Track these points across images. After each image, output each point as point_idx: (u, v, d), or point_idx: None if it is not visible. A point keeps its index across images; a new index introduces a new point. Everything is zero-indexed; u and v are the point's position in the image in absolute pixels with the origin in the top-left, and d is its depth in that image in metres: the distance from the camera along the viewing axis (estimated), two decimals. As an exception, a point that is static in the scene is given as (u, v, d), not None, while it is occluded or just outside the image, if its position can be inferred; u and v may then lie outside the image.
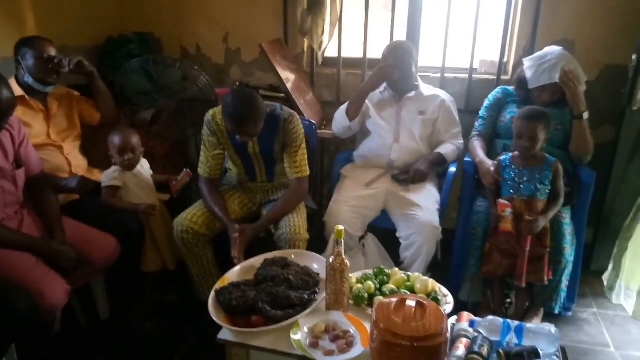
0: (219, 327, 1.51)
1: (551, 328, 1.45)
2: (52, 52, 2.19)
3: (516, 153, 2.09)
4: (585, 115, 2.17)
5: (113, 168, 2.21)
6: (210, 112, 2.14)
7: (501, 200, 2.02)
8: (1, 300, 1.59)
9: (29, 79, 2.16)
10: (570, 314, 2.34)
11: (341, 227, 1.53)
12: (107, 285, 2.30)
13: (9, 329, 1.61)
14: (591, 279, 2.64)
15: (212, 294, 1.62)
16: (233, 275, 1.76)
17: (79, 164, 2.34)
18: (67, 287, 1.83)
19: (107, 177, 2.20)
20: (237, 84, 3.03)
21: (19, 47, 2.16)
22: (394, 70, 2.38)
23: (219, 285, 1.66)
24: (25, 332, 1.71)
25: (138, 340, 2.19)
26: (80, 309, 2.24)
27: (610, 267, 2.55)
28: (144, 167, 2.30)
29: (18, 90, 2.14)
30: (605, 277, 2.57)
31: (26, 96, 2.17)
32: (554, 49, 2.24)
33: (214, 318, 1.51)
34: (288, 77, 2.70)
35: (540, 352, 1.35)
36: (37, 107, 2.21)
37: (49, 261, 1.85)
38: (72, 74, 2.26)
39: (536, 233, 2.00)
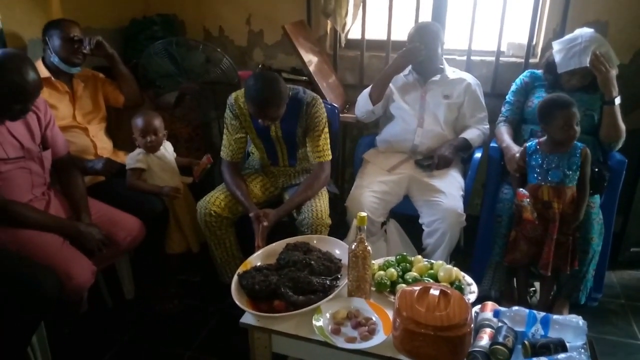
0: (242, 310, 1.52)
1: (579, 320, 1.41)
2: (78, 32, 2.22)
3: (543, 139, 2.03)
4: (617, 100, 2.09)
5: (137, 150, 2.23)
6: (233, 95, 2.14)
7: (520, 190, 1.98)
8: (29, 280, 1.62)
9: (54, 59, 2.18)
10: (596, 304, 2.29)
11: (364, 214, 1.52)
12: (133, 266, 2.35)
13: (38, 308, 1.64)
14: (620, 268, 2.58)
15: (235, 278, 1.63)
16: (255, 259, 1.76)
17: (105, 146, 2.37)
18: (93, 268, 1.87)
19: (132, 159, 2.22)
20: (260, 66, 3.02)
21: (47, 29, 2.20)
22: (420, 52, 2.33)
23: (241, 269, 1.67)
24: (53, 312, 1.75)
25: (162, 321, 2.23)
26: (107, 289, 2.30)
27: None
28: (167, 149, 2.31)
29: (44, 72, 2.17)
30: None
31: (52, 78, 2.19)
32: (585, 31, 2.15)
33: (237, 302, 1.52)
34: (311, 59, 2.66)
35: (567, 345, 1.32)
36: (62, 89, 2.23)
37: (75, 242, 1.89)
38: (93, 54, 2.28)
39: (563, 220, 1.95)
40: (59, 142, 2.02)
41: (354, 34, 2.94)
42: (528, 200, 1.94)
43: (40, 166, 1.93)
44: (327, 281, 1.59)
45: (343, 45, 2.93)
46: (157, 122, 2.21)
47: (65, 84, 2.24)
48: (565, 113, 1.92)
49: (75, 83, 2.29)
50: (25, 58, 1.74)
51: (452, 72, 2.48)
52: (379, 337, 1.38)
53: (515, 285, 2.24)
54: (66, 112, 2.24)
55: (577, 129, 1.93)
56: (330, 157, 2.19)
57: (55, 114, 2.09)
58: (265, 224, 1.95)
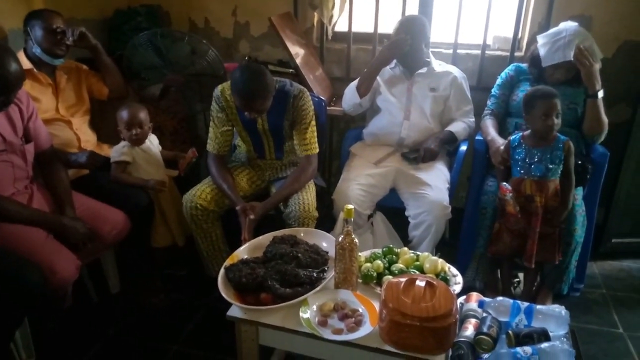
0: (229, 303, 1.52)
1: (561, 310, 1.44)
2: (60, 23, 2.17)
3: (527, 132, 2.05)
4: (600, 93, 2.12)
5: (122, 143, 2.21)
6: (219, 87, 2.12)
7: (503, 185, 2.00)
8: (13, 275, 1.60)
9: (37, 50, 2.14)
10: (578, 294, 2.34)
11: (351, 207, 1.52)
12: (118, 260, 2.33)
13: (21, 303, 1.62)
14: (601, 259, 2.62)
15: (222, 271, 1.62)
16: (242, 252, 1.76)
17: (88, 139, 2.33)
18: (78, 262, 1.84)
19: (116, 152, 2.20)
20: (246, 58, 2.99)
21: (28, 19, 2.15)
22: (406, 44, 2.33)
23: (228, 262, 1.66)
24: (36, 307, 1.73)
25: (148, 315, 2.21)
26: (91, 284, 2.27)
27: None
28: (152, 142, 2.29)
29: (27, 64, 2.13)
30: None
31: (34, 70, 2.15)
32: (569, 25, 2.17)
33: (224, 295, 1.52)
34: (297, 52, 2.65)
35: (550, 334, 1.35)
36: (45, 81, 2.19)
37: (59, 236, 1.86)
38: (76, 46, 2.24)
39: (546, 213, 1.98)
40: (41, 135, 1.98)
41: (341, 26, 2.93)
42: (511, 194, 1.97)
43: (23, 159, 1.89)
44: (314, 273, 1.59)
45: (330, 37, 2.92)
46: (143, 115, 2.19)
47: (48, 76, 2.20)
48: (545, 103, 1.94)
49: (58, 75, 2.26)
50: (7, 49, 1.70)
51: (438, 65, 2.48)
52: (366, 329, 1.39)
53: (499, 276, 2.27)
54: (49, 104, 2.20)
55: (557, 121, 1.95)
56: (317, 150, 2.19)
57: (38, 107, 2.06)
58: (251, 217, 1.94)
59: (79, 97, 2.33)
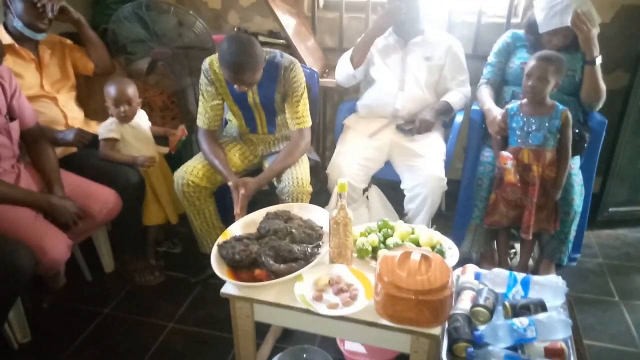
0: (223, 280, 1.50)
1: (558, 280, 1.43)
2: None
3: (524, 101, 2.01)
4: (598, 60, 2.07)
5: (110, 120, 2.16)
6: (207, 60, 2.06)
7: (503, 153, 1.97)
8: (3, 256, 1.58)
9: (18, 24, 2.06)
10: (575, 264, 2.34)
11: (344, 181, 1.49)
12: (111, 238, 2.30)
13: (13, 284, 1.60)
14: (598, 228, 2.62)
15: (215, 248, 1.60)
16: (236, 229, 1.73)
17: (75, 116, 2.28)
18: (69, 242, 1.83)
19: (104, 129, 2.15)
20: (235, 29, 2.91)
21: None
22: (400, 11, 2.26)
23: (221, 239, 1.64)
24: (30, 287, 1.71)
25: (143, 292, 2.21)
26: (85, 263, 2.26)
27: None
28: (142, 118, 2.24)
29: (7, 39, 2.06)
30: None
31: (16, 45, 2.09)
32: None
33: (217, 272, 1.50)
34: (288, 22, 2.58)
35: (547, 305, 1.33)
36: (28, 56, 2.13)
37: (48, 216, 1.84)
38: (58, 20, 2.17)
39: (544, 184, 1.96)
40: (26, 112, 1.93)
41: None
42: (512, 162, 1.94)
43: (8, 138, 1.85)
44: (309, 249, 1.57)
45: (321, 6, 2.84)
46: (131, 91, 2.13)
47: (30, 52, 2.14)
48: (533, 63, 1.92)
49: (42, 50, 2.18)
50: (-18, 23, 1.64)
51: (433, 34, 2.42)
52: (361, 303, 1.38)
53: (495, 247, 2.26)
54: (33, 81, 2.14)
55: (541, 85, 1.91)
56: (310, 123, 2.14)
57: (22, 83, 2.00)
58: (243, 192, 1.91)
59: (63, 72, 2.27)
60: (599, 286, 2.22)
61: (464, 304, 1.37)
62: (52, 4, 2.10)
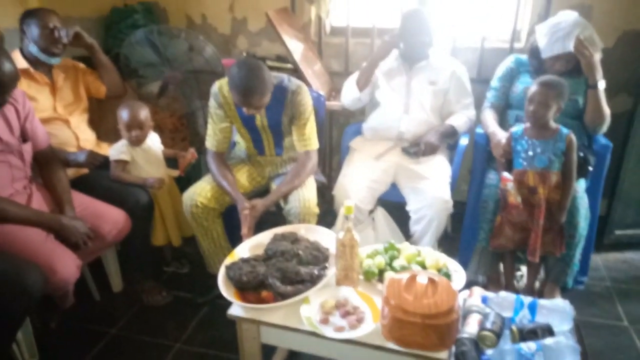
0: (230, 301, 1.51)
1: (566, 304, 1.43)
2: (56, 22, 2.15)
3: (529, 124, 2.03)
4: (601, 84, 2.09)
5: (121, 142, 2.20)
6: (217, 83, 2.10)
7: (504, 174, 1.99)
8: (13, 275, 1.59)
9: (33, 49, 2.12)
10: (582, 287, 2.32)
11: (351, 203, 1.51)
12: (119, 258, 2.32)
13: (22, 304, 1.61)
14: (605, 251, 2.61)
15: (222, 269, 1.61)
16: (243, 250, 1.75)
17: (87, 138, 2.32)
18: (78, 262, 1.84)
19: (115, 150, 2.18)
20: (244, 54, 2.97)
21: (24, 18, 2.13)
22: (403, 37, 2.30)
23: (228, 260, 1.66)
24: (38, 306, 1.72)
25: (151, 313, 2.21)
26: (93, 282, 2.27)
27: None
28: (153, 141, 2.28)
29: (23, 63, 2.12)
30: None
31: (31, 69, 2.14)
32: (568, 15, 2.13)
33: (224, 294, 1.51)
34: (295, 47, 2.63)
35: (554, 329, 1.33)
36: (42, 80, 2.18)
37: (59, 236, 1.86)
38: (72, 46, 2.23)
39: (549, 206, 1.96)
40: (39, 134, 1.97)
41: (339, 21, 2.90)
42: (512, 184, 1.95)
43: (21, 159, 1.88)
44: (315, 271, 1.58)
45: (328, 32, 2.90)
46: (143, 115, 2.17)
47: (44, 75, 2.19)
48: (537, 89, 1.95)
49: (55, 74, 2.24)
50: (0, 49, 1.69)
51: (438, 58, 2.46)
52: (368, 326, 1.38)
53: (502, 270, 2.25)
54: (46, 103, 2.19)
55: (542, 110, 1.93)
56: (317, 145, 2.17)
57: (35, 106, 2.05)
58: (245, 212, 1.93)
59: (76, 95, 2.32)
60: (608, 310, 2.20)
61: (470, 328, 1.37)
62: (66, 30, 2.17)
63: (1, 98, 1.70)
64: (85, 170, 2.22)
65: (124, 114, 2.14)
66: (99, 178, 2.19)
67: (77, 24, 2.27)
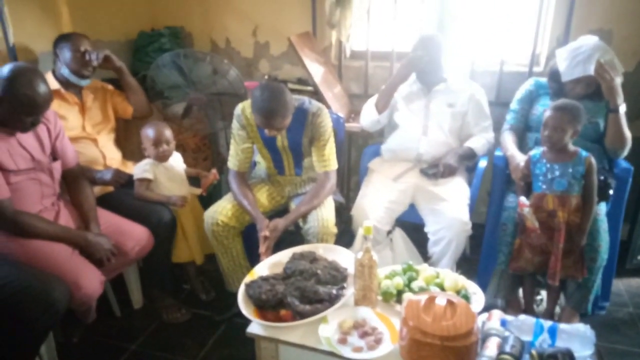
0: (249, 319, 1.53)
1: (586, 329, 1.41)
2: (87, 46, 2.25)
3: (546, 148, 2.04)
4: (622, 108, 2.09)
5: (145, 161, 2.26)
6: (240, 105, 2.16)
7: (520, 199, 1.99)
8: (39, 290, 1.63)
9: (65, 71, 2.21)
10: (604, 312, 2.28)
11: (369, 224, 1.52)
12: (141, 275, 2.36)
13: (47, 318, 1.65)
14: (627, 276, 2.56)
15: (242, 287, 1.64)
16: (262, 268, 1.77)
17: (113, 157, 2.39)
18: (102, 278, 1.88)
19: (139, 169, 2.24)
20: (266, 77, 3.04)
21: (57, 42, 2.23)
22: (422, 60, 2.34)
23: (248, 278, 1.68)
24: (61, 321, 1.76)
25: (169, 330, 2.24)
26: (115, 298, 2.31)
27: None
28: (176, 160, 2.34)
29: (54, 84, 2.20)
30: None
31: (62, 90, 2.23)
32: (588, 39, 2.15)
33: (244, 312, 1.53)
34: (316, 70, 2.69)
35: (575, 355, 1.32)
36: (72, 100, 2.26)
37: (84, 252, 1.91)
38: (101, 68, 2.32)
39: (569, 230, 1.95)
40: (68, 153, 2.04)
41: (359, 45, 2.96)
42: (528, 209, 1.95)
43: (50, 177, 1.95)
44: (334, 290, 1.59)
45: (348, 55, 2.96)
46: (168, 132, 2.24)
47: (74, 96, 2.28)
48: (551, 114, 1.95)
49: (85, 94, 2.33)
50: (36, 71, 1.77)
51: (456, 81, 2.48)
52: (386, 347, 1.39)
53: (521, 293, 2.23)
54: (76, 123, 2.27)
55: (557, 135, 1.93)
56: (336, 166, 2.21)
57: (65, 125, 2.13)
58: (263, 234, 1.97)
59: (104, 115, 2.40)
60: (631, 337, 2.16)
61: (489, 351, 1.36)
62: (97, 53, 2.26)
63: (36, 118, 1.78)
64: (110, 188, 2.28)
65: (150, 132, 2.21)
66: (123, 196, 2.25)
67: (106, 47, 2.36)
